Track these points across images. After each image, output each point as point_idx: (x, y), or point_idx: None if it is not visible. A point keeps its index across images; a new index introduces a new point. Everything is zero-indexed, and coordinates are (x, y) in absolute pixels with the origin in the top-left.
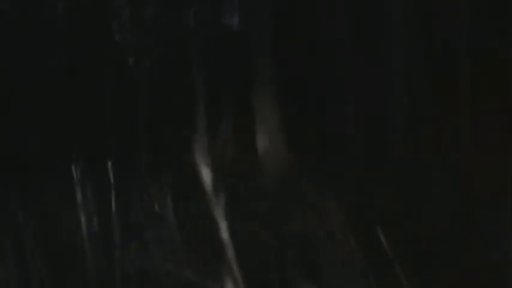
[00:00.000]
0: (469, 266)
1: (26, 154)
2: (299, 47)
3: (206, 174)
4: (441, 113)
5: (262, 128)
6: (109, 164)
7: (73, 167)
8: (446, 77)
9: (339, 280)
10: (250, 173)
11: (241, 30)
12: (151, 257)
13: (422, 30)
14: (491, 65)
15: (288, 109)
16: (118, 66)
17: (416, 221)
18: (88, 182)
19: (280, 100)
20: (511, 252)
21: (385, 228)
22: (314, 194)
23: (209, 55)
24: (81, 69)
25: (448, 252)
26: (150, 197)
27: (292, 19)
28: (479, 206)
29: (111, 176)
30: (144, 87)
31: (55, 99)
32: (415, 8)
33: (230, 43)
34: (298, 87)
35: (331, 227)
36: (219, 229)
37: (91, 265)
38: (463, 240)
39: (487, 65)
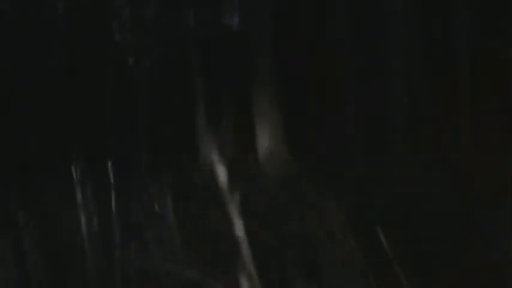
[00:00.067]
0: (469, 266)
1: (26, 154)
2: (299, 47)
3: (221, 173)
4: (441, 113)
5: (262, 128)
6: (109, 164)
7: (73, 167)
8: (446, 77)
9: (339, 280)
10: (250, 173)
11: (241, 30)
12: (151, 257)
13: (422, 30)
14: (491, 65)
15: (288, 109)
16: (118, 66)
17: (416, 221)
18: (88, 182)
19: (280, 100)
20: (511, 252)
21: (385, 228)
22: (314, 194)
23: (209, 55)
24: (81, 69)
25: (448, 252)
26: (150, 197)
27: (292, 19)
28: (479, 206)
29: (111, 176)
30: (144, 87)
31: (55, 99)
32: (415, 8)
33: (230, 43)
34: (298, 87)
35: (331, 227)
36: (233, 227)
37: (91, 265)
38: (463, 240)
39: (487, 65)
